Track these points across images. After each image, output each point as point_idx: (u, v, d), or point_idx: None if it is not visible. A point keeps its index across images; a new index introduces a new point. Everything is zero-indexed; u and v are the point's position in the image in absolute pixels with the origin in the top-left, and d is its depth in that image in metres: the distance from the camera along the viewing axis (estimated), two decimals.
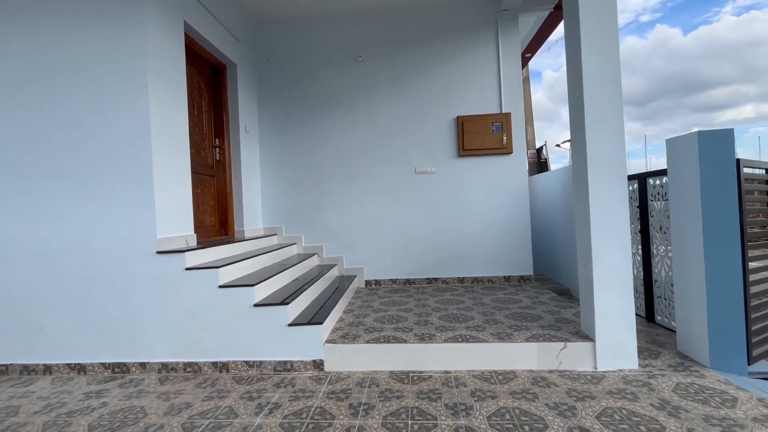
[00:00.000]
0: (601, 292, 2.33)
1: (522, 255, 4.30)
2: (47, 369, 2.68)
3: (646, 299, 3.09)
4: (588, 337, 2.43)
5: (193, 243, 3.05)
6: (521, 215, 4.30)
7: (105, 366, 2.66)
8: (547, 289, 3.94)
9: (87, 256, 2.66)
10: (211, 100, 3.90)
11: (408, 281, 4.39)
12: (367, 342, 2.53)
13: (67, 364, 2.67)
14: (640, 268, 3.13)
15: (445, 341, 2.48)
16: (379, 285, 4.42)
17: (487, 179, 4.33)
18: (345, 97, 4.48)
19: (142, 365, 2.63)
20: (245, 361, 2.56)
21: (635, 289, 3.26)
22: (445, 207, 4.37)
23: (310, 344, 2.53)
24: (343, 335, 2.68)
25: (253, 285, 2.58)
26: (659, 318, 3.00)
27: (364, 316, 3.17)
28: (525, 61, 6.25)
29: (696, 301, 2.35)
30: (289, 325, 2.55)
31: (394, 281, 4.41)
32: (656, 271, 2.99)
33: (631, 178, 3.20)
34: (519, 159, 4.32)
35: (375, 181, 4.45)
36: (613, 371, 2.29)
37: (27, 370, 2.70)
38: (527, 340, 2.43)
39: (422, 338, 2.56)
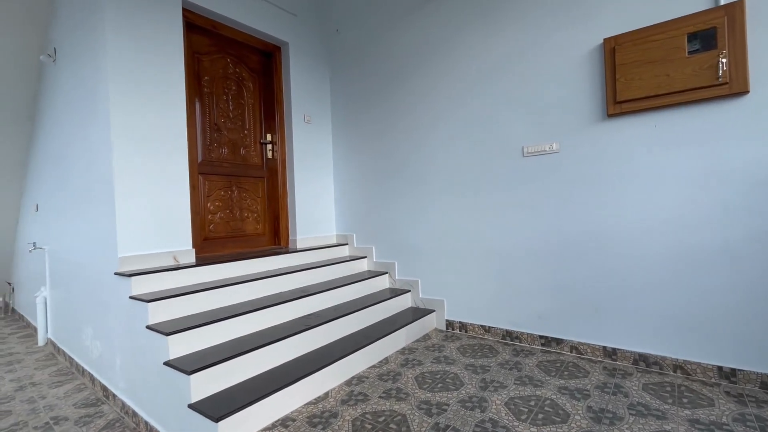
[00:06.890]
0: None
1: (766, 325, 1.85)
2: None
3: None
4: None
5: (191, 259, 2.59)
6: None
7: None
8: None
9: (89, 271, 2.61)
10: (261, 90, 3.40)
11: (509, 334, 2.68)
12: None
13: None
14: None
15: None
16: (465, 330, 2.89)
17: (676, 158, 2.07)
18: (419, 55, 3.12)
19: (112, 396, 2.34)
20: None
21: None
22: (580, 213, 2.39)
23: None
24: None
25: (166, 334, 1.83)
26: None
27: (358, 402, 1.91)
28: None
29: None
30: (190, 406, 1.67)
31: (487, 330, 2.79)
32: None
33: None
34: (764, 107, 1.86)
35: (458, 173, 2.91)
36: None
37: None
38: None
39: None
